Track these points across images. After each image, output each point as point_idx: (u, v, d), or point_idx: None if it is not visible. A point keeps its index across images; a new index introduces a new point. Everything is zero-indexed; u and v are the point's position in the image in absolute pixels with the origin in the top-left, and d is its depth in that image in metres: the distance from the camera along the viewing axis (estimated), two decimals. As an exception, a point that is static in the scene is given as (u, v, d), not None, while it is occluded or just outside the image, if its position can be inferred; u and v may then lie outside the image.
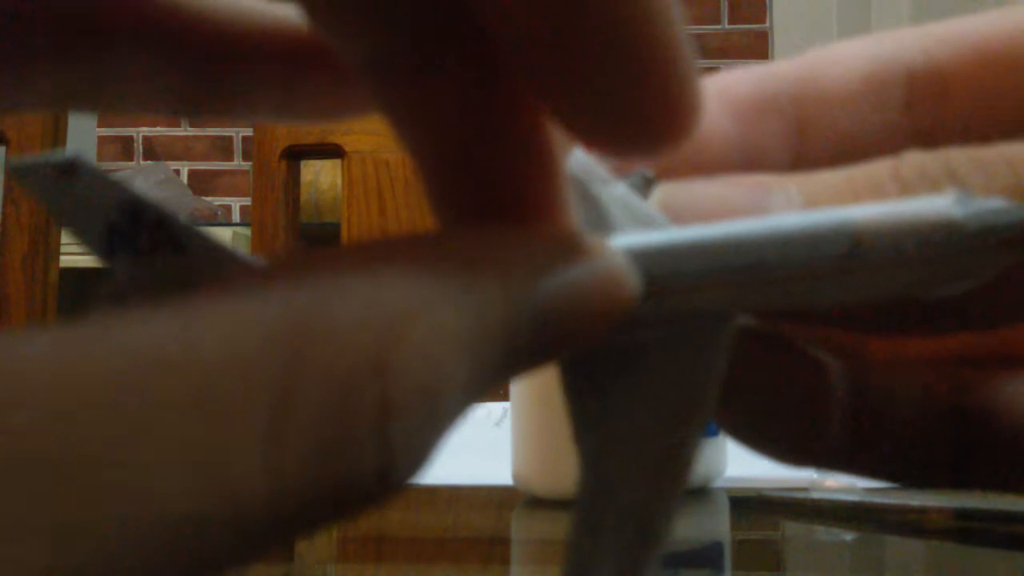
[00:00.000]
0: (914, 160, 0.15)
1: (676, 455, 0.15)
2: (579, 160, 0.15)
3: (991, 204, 0.14)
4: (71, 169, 0.15)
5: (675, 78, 0.14)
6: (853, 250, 0.14)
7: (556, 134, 0.15)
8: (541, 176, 0.15)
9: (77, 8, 0.17)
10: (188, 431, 0.09)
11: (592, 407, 0.15)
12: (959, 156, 0.15)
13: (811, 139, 0.18)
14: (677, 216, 0.15)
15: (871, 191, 0.15)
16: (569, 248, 0.13)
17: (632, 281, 0.13)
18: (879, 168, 0.15)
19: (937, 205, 0.14)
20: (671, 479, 0.15)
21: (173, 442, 0.09)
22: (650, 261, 0.14)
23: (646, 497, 0.15)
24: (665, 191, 0.15)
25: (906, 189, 0.15)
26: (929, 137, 0.17)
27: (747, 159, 0.17)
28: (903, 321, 0.17)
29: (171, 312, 0.10)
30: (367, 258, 0.11)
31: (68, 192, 0.15)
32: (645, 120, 0.14)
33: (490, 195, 0.15)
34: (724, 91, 0.18)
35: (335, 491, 0.10)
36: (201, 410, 0.09)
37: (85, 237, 0.15)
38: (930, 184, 0.15)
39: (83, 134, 2.27)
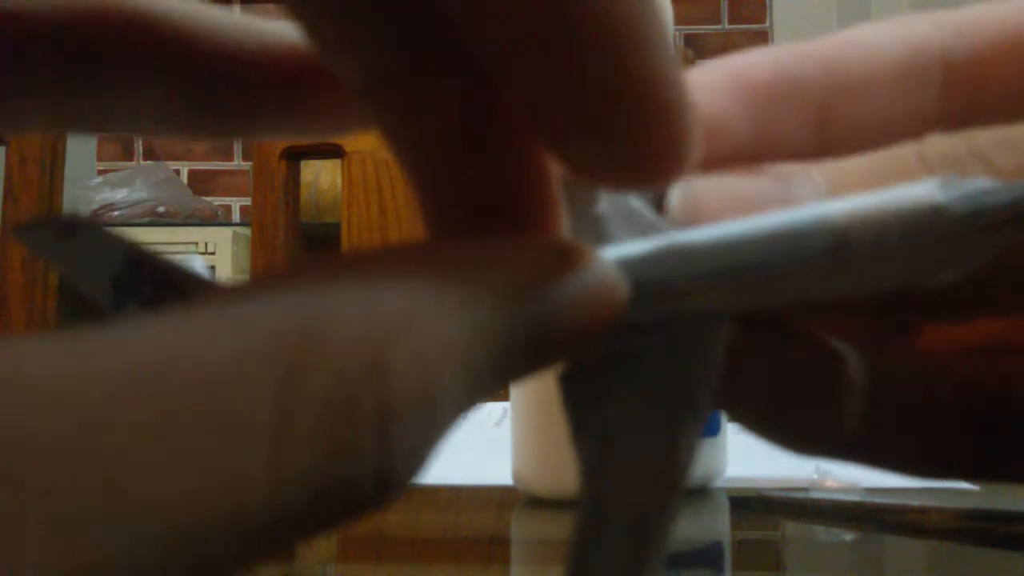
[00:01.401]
0: (939, 142, 0.15)
1: (673, 459, 0.15)
2: None
3: (977, 186, 0.14)
4: (71, 229, 0.15)
5: (669, 115, 0.13)
6: (840, 244, 0.14)
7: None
8: (534, 187, 0.15)
9: (78, 35, 0.17)
10: (191, 437, 0.09)
11: (589, 415, 0.15)
12: (985, 136, 0.15)
13: (835, 127, 0.17)
14: (697, 213, 0.15)
15: (897, 175, 0.15)
16: (561, 258, 0.13)
17: (622, 290, 0.13)
18: (904, 152, 0.15)
19: (921, 191, 0.14)
20: (669, 483, 0.15)
21: (176, 448, 0.09)
22: (640, 268, 0.14)
23: (646, 502, 0.15)
24: (684, 189, 0.15)
25: (932, 172, 0.14)
26: (963, 125, 0.17)
27: (765, 149, 0.17)
28: (918, 307, 0.17)
29: (174, 320, 0.10)
30: (365, 268, 0.11)
31: (70, 251, 0.15)
32: (637, 155, 0.14)
33: (483, 207, 0.15)
34: (740, 75, 0.17)
35: (336, 496, 0.10)
36: (204, 417, 0.09)
37: (90, 291, 0.16)
38: (956, 166, 0.14)
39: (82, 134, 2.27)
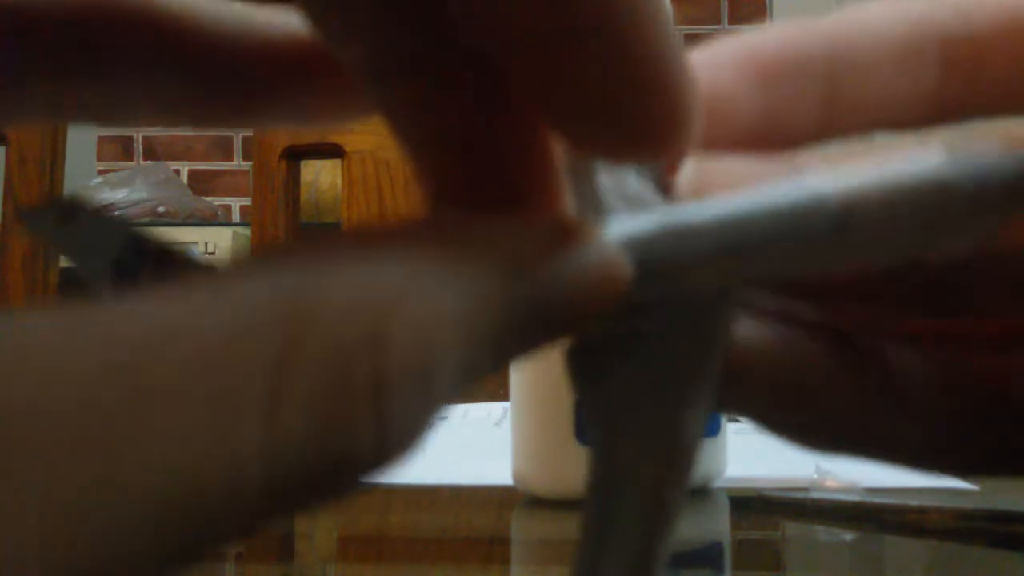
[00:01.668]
0: (942, 137, 0.15)
1: (678, 439, 0.15)
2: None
3: (982, 156, 0.14)
4: (73, 213, 0.16)
5: (669, 87, 0.13)
6: (845, 215, 0.14)
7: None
8: (536, 166, 0.15)
9: (78, 24, 0.17)
10: (188, 411, 0.09)
11: (595, 393, 0.15)
12: (986, 130, 0.15)
13: (840, 103, 0.17)
14: (707, 192, 0.15)
15: None
16: (563, 234, 0.13)
17: (625, 266, 0.13)
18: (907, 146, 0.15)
19: (927, 161, 0.14)
20: (676, 464, 0.15)
21: (173, 421, 0.09)
22: (643, 245, 0.14)
23: (653, 481, 0.15)
24: (695, 167, 0.15)
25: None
26: (961, 105, 0.17)
27: (772, 127, 0.17)
28: (928, 302, 0.17)
29: (170, 296, 0.10)
30: (362, 243, 0.11)
31: (71, 235, 0.16)
32: (640, 132, 0.14)
33: (486, 186, 0.15)
34: (748, 52, 0.17)
35: (330, 464, 0.10)
36: (200, 390, 0.09)
37: (92, 275, 0.16)
38: None
39: (83, 134, 2.27)
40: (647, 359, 0.15)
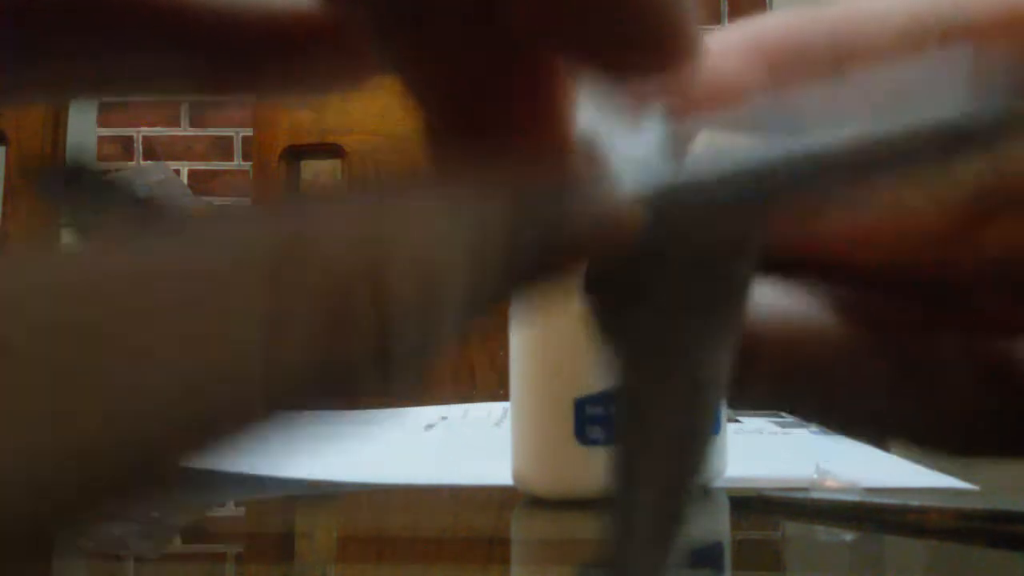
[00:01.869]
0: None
1: (697, 388, 0.15)
2: (587, 116, 0.15)
3: (998, 101, 0.14)
4: (80, 175, 0.16)
5: (668, 9, 0.14)
6: (858, 167, 0.14)
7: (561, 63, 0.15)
8: (547, 109, 0.15)
9: (79, 2, 0.17)
10: (190, 323, 0.09)
11: (616, 338, 0.15)
12: None
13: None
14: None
15: None
16: (573, 170, 0.13)
17: (636, 208, 0.13)
18: None
19: (943, 108, 0.14)
20: (696, 432, 0.15)
21: (175, 335, 0.09)
22: (654, 191, 0.14)
23: (675, 428, 0.15)
24: (710, 141, 0.15)
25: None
26: None
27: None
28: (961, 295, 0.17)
29: (167, 230, 0.10)
30: (363, 189, 0.12)
31: (79, 197, 0.16)
32: (642, 45, 0.14)
33: (498, 133, 0.15)
34: (754, 39, 0.17)
35: (331, 375, 0.10)
36: (202, 304, 0.09)
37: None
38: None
39: (83, 133, 2.27)
40: (662, 310, 0.15)
